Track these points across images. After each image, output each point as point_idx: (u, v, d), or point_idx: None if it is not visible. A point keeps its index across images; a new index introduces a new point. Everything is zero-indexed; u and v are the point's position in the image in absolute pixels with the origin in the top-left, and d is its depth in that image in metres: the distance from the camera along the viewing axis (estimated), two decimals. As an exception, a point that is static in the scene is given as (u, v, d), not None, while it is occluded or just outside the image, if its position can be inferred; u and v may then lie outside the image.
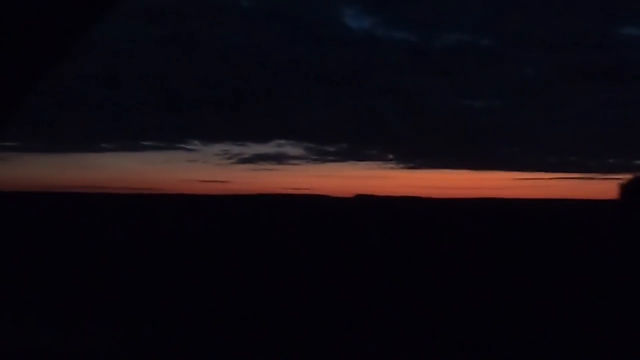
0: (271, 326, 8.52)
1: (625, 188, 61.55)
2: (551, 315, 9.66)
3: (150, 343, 7.67)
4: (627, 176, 64.17)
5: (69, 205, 72.22)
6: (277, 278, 13.37)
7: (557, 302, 10.89)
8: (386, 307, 10.23)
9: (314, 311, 9.78)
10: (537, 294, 11.69)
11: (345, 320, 9.20)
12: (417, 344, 7.80)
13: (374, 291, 11.78)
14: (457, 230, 34.31)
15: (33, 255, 16.58)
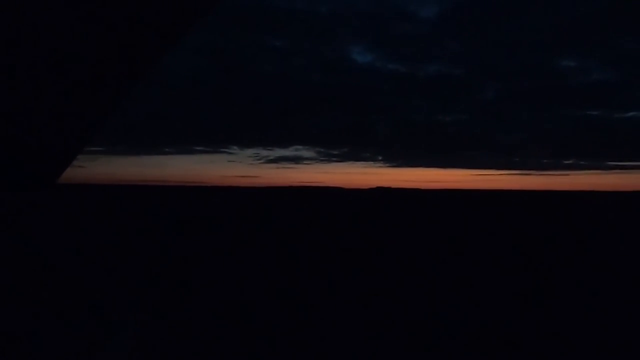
0: (298, 305, 7.55)
1: None
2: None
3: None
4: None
5: (140, 195, 72.51)
6: (306, 256, 13.06)
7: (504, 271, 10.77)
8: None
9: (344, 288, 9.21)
10: (484, 265, 11.62)
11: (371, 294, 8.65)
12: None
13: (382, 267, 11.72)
14: (427, 213, 34.23)
15: (115, 233, 16.72)
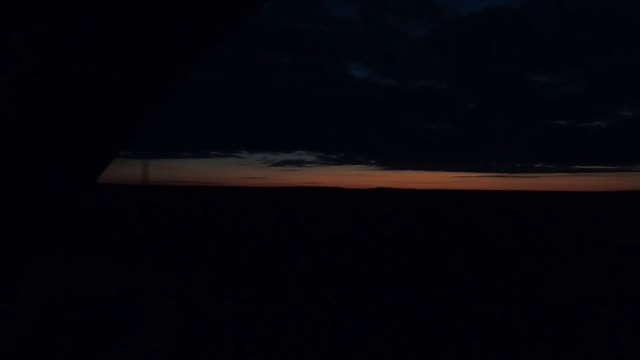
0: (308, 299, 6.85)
1: None
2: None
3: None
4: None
5: (161, 194, 72.10)
6: (308, 248, 12.91)
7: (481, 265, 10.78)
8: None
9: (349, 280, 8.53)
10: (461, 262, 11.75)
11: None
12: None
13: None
14: (416, 211, 34.29)
15: (137, 227, 17.02)
